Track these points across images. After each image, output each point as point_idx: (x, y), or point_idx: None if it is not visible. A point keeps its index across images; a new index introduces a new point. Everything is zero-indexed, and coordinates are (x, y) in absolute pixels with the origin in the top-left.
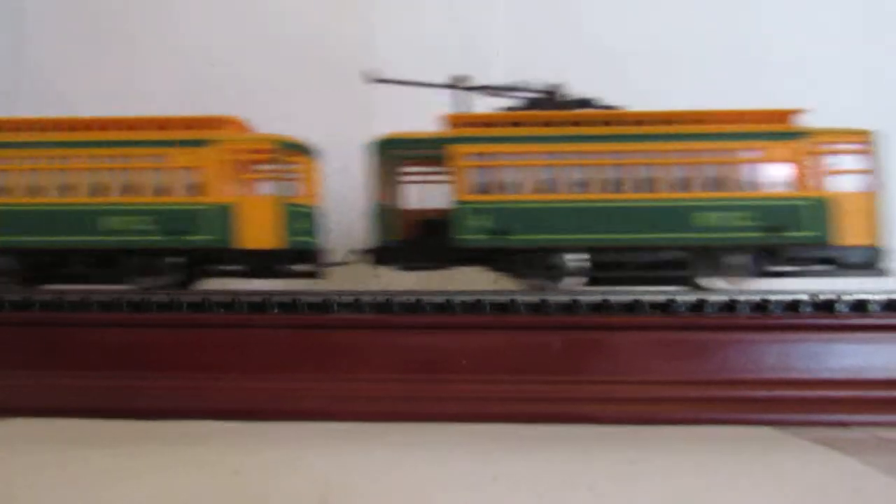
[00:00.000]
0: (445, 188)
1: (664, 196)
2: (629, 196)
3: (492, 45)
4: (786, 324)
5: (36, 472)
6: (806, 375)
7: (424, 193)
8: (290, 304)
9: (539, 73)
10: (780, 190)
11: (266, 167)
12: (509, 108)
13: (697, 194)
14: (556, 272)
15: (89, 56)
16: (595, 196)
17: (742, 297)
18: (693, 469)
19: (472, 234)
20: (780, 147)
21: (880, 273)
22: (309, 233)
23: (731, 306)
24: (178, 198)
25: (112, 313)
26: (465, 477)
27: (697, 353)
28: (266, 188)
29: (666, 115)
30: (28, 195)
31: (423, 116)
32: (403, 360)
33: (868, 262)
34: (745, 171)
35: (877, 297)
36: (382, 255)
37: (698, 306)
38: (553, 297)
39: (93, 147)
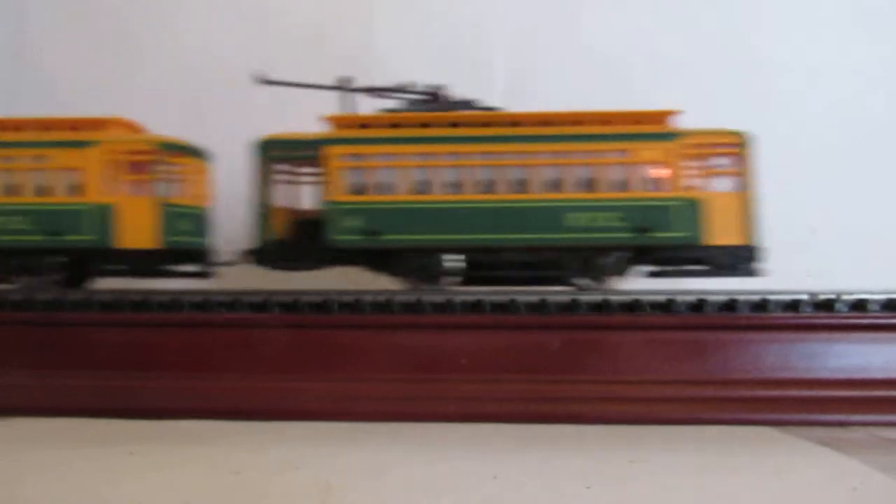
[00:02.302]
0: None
1: (536, 197)
2: (502, 197)
3: (492, 46)
4: (785, 323)
5: (36, 472)
6: (806, 375)
7: (310, 194)
8: (291, 304)
9: (538, 73)
10: (652, 191)
11: (151, 169)
12: (390, 110)
13: (568, 195)
14: (430, 272)
15: (90, 55)
16: (468, 197)
17: (742, 297)
18: (693, 469)
19: (345, 235)
20: (651, 148)
21: (751, 273)
22: (193, 233)
23: (731, 306)
24: (58, 198)
25: (112, 313)
26: (465, 477)
27: (697, 353)
28: (155, 189)
29: (542, 116)
30: None
31: None
32: (403, 360)
33: (739, 262)
34: (615, 172)
35: (876, 297)
36: (261, 255)
37: (698, 306)
38: (553, 297)
39: None
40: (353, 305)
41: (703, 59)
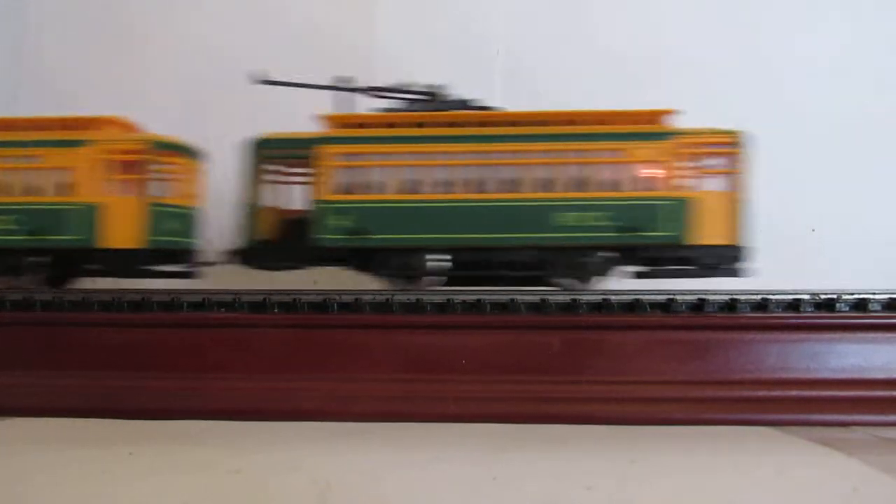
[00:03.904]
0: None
1: (523, 196)
2: (489, 196)
3: (492, 45)
4: (786, 323)
5: (36, 472)
6: (806, 375)
7: (299, 194)
8: (291, 304)
9: (542, 71)
10: (643, 190)
11: (142, 168)
12: (386, 110)
13: (555, 194)
14: (415, 272)
15: (90, 55)
16: (455, 196)
17: (743, 297)
18: (693, 469)
19: (331, 234)
20: (643, 148)
21: (736, 273)
22: (181, 233)
23: (731, 306)
24: (46, 198)
25: (112, 313)
26: (465, 477)
27: (697, 353)
28: (146, 189)
29: (537, 115)
30: None
31: None
32: (403, 360)
33: (725, 262)
34: (607, 172)
35: (878, 297)
36: (247, 255)
37: (699, 306)
38: (553, 297)
39: None
40: (352, 305)
41: (708, 56)
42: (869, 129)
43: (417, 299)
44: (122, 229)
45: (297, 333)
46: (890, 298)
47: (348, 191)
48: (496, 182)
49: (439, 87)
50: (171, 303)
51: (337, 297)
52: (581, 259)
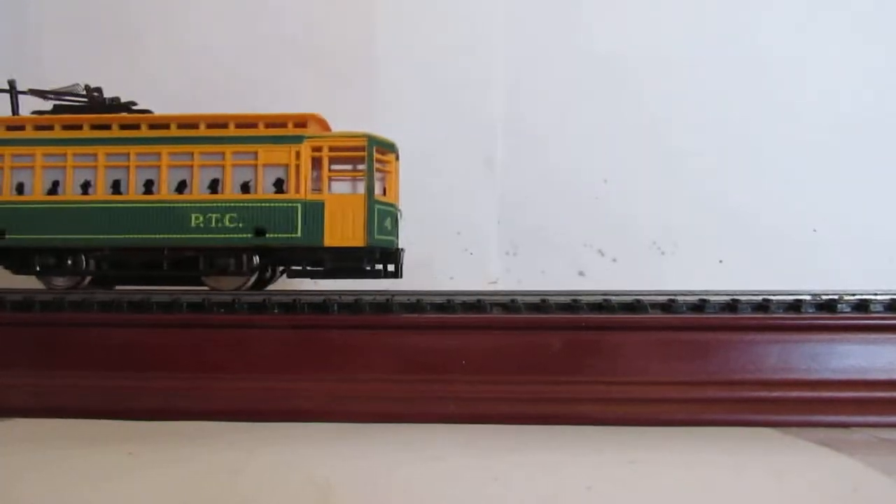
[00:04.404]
0: None
1: (161, 198)
2: (131, 197)
3: (492, 45)
4: (787, 324)
5: (36, 472)
6: (807, 376)
7: None
8: (291, 305)
9: (536, 74)
10: (274, 193)
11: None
12: (38, 112)
13: (190, 196)
14: (52, 271)
15: (90, 55)
16: (97, 197)
17: (744, 298)
18: (693, 470)
19: None
20: (275, 151)
21: (363, 275)
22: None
23: (732, 306)
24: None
25: (112, 313)
26: (465, 477)
27: (698, 354)
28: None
29: (181, 118)
30: None
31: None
32: (403, 360)
33: (355, 263)
34: (241, 174)
35: (879, 298)
36: None
37: (699, 306)
38: (553, 298)
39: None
40: (352, 306)
41: (705, 57)
42: (869, 130)
43: (418, 300)
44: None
45: (297, 334)
46: (891, 299)
47: None
48: (136, 184)
49: (98, 89)
50: (171, 303)
51: (337, 298)
52: (223, 259)
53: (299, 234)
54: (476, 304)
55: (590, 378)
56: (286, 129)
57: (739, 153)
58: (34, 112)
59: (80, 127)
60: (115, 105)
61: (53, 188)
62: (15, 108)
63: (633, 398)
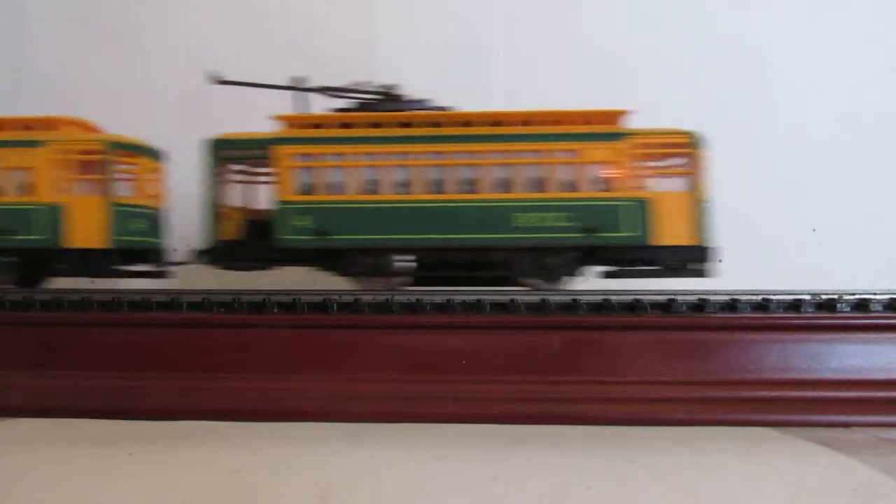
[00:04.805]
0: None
1: (485, 196)
2: (451, 196)
3: (492, 45)
4: (787, 323)
5: (36, 472)
6: (807, 376)
7: (263, 194)
8: (291, 304)
9: (536, 74)
10: (600, 191)
11: (101, 168)
12: (342, 110)
13: (516, 195)
14: (381, 271)
15: (90, 56)
16: (418, 196)
17: (743, 297)
18: (693, 470)
19: (294, 235)
20: (600, 148)
21: (701, 274)
22: (146, 233)
23: (732, 306)
24: (8, 198)
25: (112, 313)
26: (465, 477)
27: (698, 353)
28: (106, 189)
29: (493, 115)
30: None
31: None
32: (403, 360)
33: (688, 263)
34: (564, 172)
35: (879, 297)
36: (212, 255)
37: (699, 306)
38: (553, 297)
39: None
40: (352, 305)
41: (705, 57)
42: (869, 130)
43: (417, 299)
44: (87, 229)
45: (297, 333)
46: (891, 299)
47: (309, 191)
48: (455, 183)
49: (393, 86)
50: (171, 303)
51: (337, 298)
52: (546, 259)
53: (634, 233)
54: (476, 304)
55: (590, 378)
56: (610, 126)
57: (739, 153)
58: (336, 110)
59: (393, 125)
60: (411, 101)
61: (373, 187)
62: (302, 106)
63: (632, 398)
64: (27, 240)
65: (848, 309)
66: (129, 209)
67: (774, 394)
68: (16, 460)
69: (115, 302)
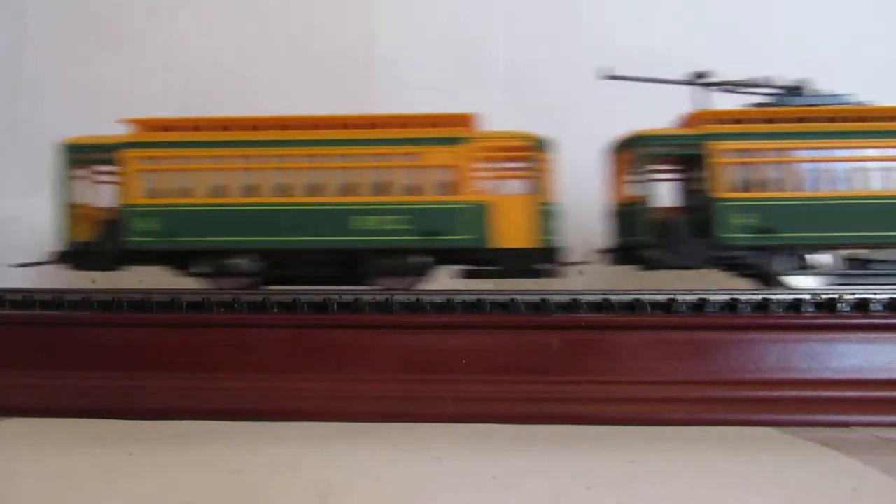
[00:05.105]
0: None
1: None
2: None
3: (492, 45)
4: (787, 323)
5: (36, 472)
6: (807, 375)
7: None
8: (290, 304)
9: (536, 74)
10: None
11: (524, 165)
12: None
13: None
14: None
15: (90, 56)
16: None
17: (743, 297)
18: (693, 469)
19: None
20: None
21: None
22: (555, 231)
23: (732, 306)
24: (431, 196)
25: (112, 313)
26: (465, 477)
27: (698, 353)
28: (527, 187)
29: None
30: None
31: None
32: (403, 359)
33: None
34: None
35: (879, 297)
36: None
37: (699, 306)
38: (553, 297)
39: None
40: (352, 305)
41: (706, 57)
42: None
43: (417, 299)
44: (517, 229)
45: (297, 333)
46: (891, 299)
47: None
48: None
49: (804, 81)
50: (171, 303)
51: (337, 297)
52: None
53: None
54: (476, 304)
55: (590, 378)
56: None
57: None
58: (755, 105)
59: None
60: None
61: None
62: (702, 101)
63: (632, 398)
64: (452, 240)
65: (848, 309)
66: (548, 207)
67: (774, 394)
68: (16, 460)
69: (115, 302)
